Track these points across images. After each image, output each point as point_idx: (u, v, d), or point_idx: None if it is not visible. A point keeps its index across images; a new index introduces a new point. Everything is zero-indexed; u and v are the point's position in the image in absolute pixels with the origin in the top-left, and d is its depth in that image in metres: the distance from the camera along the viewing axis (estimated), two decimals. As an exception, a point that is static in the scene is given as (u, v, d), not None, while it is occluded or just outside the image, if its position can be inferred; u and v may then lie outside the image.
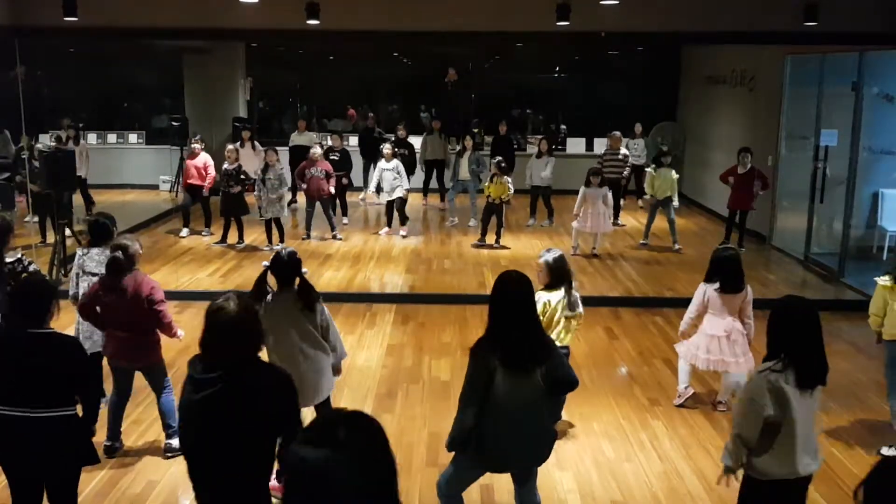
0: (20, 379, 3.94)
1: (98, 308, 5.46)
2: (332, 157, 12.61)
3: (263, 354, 3.91)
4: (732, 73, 13.70)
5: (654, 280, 10.11)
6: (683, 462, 5.57)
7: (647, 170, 11.47)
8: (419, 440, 5.82)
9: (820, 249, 10.88)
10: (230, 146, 11.62)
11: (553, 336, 5.23)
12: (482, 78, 18.64)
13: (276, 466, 3.35)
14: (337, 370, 5.23)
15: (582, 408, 6.39)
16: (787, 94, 11.68)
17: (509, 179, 11.34)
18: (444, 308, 8.95)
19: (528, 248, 11.46)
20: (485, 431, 3.95)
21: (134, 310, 5.35)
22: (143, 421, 6.04)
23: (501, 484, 5.06)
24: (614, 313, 8.93)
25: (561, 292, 5.48)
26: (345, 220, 13.11)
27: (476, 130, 15.63)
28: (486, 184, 11.44)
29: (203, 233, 12.10)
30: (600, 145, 15.29)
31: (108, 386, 5.74)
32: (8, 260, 5.85)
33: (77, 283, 6.08)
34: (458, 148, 13.29)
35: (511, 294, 3.99)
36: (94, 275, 6.10)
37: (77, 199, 11.84)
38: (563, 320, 5.48)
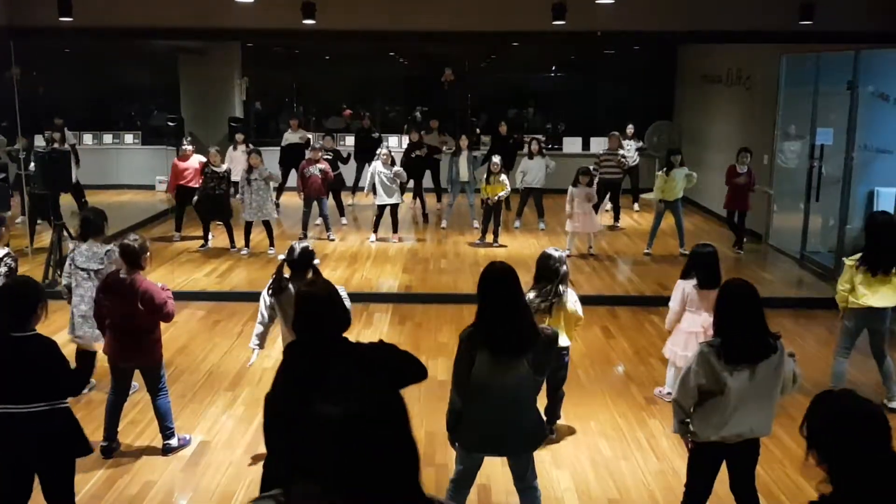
0: (4, 382, 3.94)
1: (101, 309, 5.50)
2: (325, 157, 12.58)
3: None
4: (728, 72, 13.72)
5: (650, 279, 10.12)
6: (680, 460, 5.56)
7: (658, 173, 11.21)
8: (416, 440, 5.81)
9: (816, 248, 10.90)
10: (212, 149, 11.41)
11: None
12: (478, 78, 18.64)
13: None
14: None
15: (579, 407, 6.40)
16: (783, 94, 11.70)
17: (506, 178, 11.34)
18: (441, 308, 8.94)
19: (525, 248, 11.47)
20: (472, 416, 4.14)
21: (133, 311, 5.34)
22: (140, 421, 6.03)
23: (499, 485, 5.07)
24: (611, 312, 8.93)
25: (537, 290, 5.51)
26: (343, 221, 13.10)
27: (477, 131, 15.64)
28: (483, 184, 11.44)
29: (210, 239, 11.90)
30: (597, 145, 15.31)
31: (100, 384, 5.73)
32: None
33: (70, 275, 6.25)
34: (454, 148, 13.21)
35: (495, 284, 4.11)
36: (83, 269, 6.14)
37: (66, 199, 11.68)
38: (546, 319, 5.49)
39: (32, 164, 10.39)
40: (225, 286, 9.69)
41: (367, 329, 8.29)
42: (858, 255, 6.20)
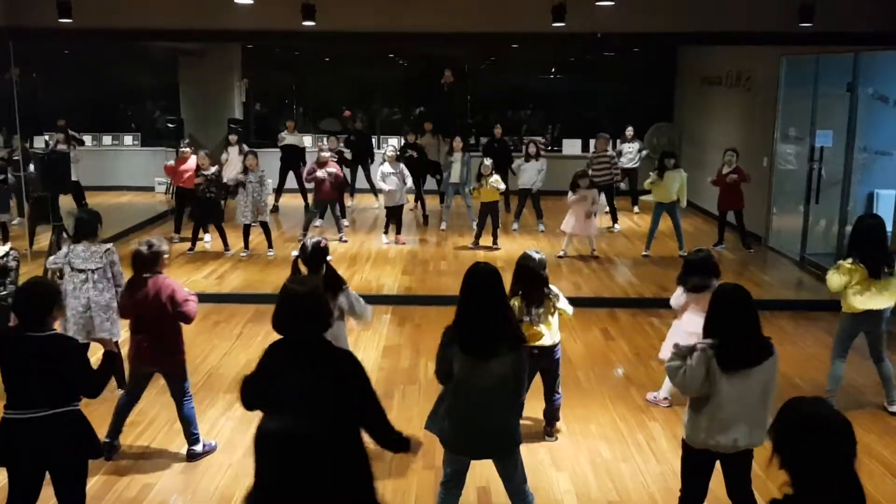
0: (22, 382, 3.95)
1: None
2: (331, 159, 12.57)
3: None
4: (728, 73, 13.72)
5: (649, 281, 10.11)
6: (679, 463, 5.56)
7: (652, 174, 11.24)
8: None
9: (815, 250, 10.90)
10: (201, 152, 11.36)
11: None
12: (478, 79, 18.64)
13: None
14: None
15: (578, 409, 6.39)
16: (783, 95, 11.70)
17: (498, 178, 11.33)
18: (441, 309, 8.87)
19: (523, 249, 11.41)
20: (452, 415, 4.17)
21: (156, 314, 5.35)
22: (140, 423, 6.02)
23: (499, 486, 5.03)
24: (610, 314, 8.93)
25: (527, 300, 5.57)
26: (345, 223, 13.09)
27: (473, 131, 15.60)
28: (475, 186, 11.42)
29: (206, 240, 11.91)
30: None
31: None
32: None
33: (63, 273, 6.25)
34: (447, 149, 13.14)
35: (477, 285, 4.12)
36: (80, 271, 6.14)
37: (66, 200, 11.65)
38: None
39: (31, 166, 10.40)
40: (224, 288, 9.68)
41: (367, 330, 8.27)
42: (851, 260, 6.10)
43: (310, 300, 3.61)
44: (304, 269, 5.41)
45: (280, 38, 12.70)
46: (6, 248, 6.20)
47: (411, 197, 13.50)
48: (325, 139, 14.15)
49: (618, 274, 10.52)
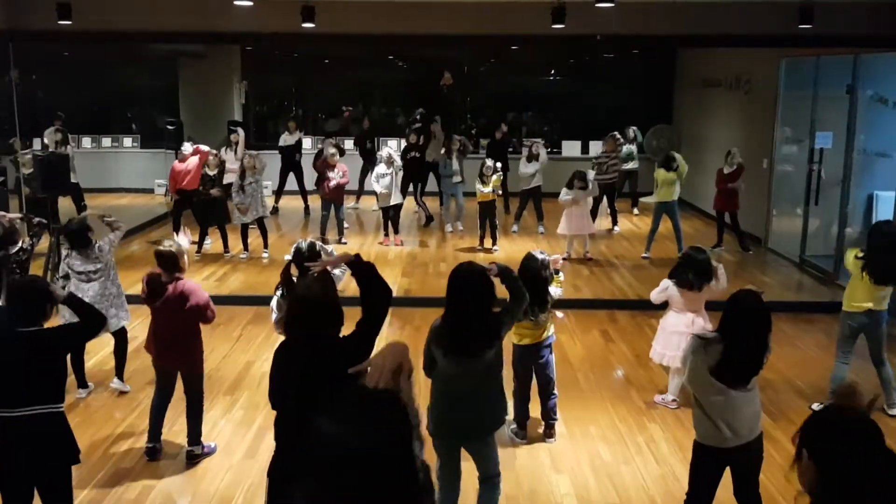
0: (10, 379, 3.92)
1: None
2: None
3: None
4: (728, 75, 13.72)
5: (649, 283, 10.06)
6: (680, 465, 5.55)
7: (658, 169, 11.29)
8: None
9: (815, 252, 10.90)
10: (214, 152, 11.37)
11: None
12: (477, 81, 18.63)
13: None
14: None
15: (578, 411, 6.39)
16: (782, 97, 11.70)
17: (499, 177, 11.33)
18: (440, 312, 8.89)
19: (523, 251, 11.40)
20: (436, 407, 4.35)
21: (175, 314, 5.38)
22: (140, 425, 6.01)
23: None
24: (610, 316, 8.92)
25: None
26: (345, 224, 13.07)
27: (473, 132, 15.58)
28: (479, 187, 11.40)
29: (206, 242, 11.85)
30: (595, 148, 15.27)
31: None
32: (13, 250, 6.25)
33: (67, 276, 6.34)
34: (444, 150, 13.14)
35: (459, 286, 4.20)
36: (81, 272, 6.20)
37: (65, 202, 11.63)
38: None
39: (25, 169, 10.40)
40: (223, 290, 9.67)
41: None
42: (862, 255, 6.14)
43: (325, 301, 3.70)
44: (294, 273, 5.22)
45: (279, 40, 12.70)
46: (20, 244, 6.48)
47: (410, 199, 13.48)
48: (327, 144, 14.09)
49: (617, 276, 10.51)
